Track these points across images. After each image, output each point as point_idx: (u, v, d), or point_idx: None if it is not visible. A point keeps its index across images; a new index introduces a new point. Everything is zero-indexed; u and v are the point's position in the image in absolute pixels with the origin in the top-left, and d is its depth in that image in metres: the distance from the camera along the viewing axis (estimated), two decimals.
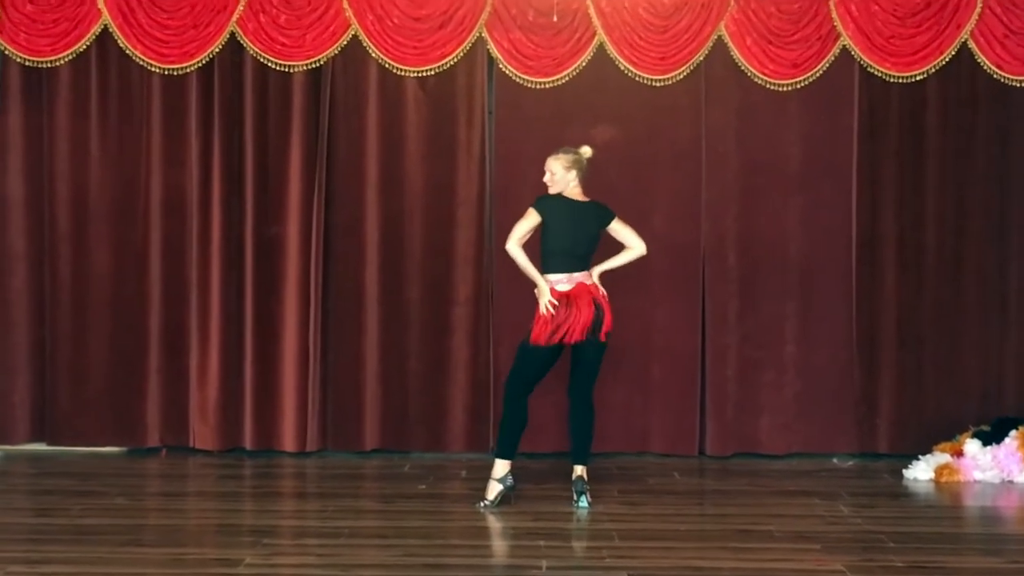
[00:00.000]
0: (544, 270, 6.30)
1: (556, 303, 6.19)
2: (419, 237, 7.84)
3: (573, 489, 6.35)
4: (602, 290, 6.33)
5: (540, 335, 6.21)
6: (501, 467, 6.34)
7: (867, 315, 7.88)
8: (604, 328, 6.25)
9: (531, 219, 6.28)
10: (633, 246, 6.41)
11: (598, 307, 6.23)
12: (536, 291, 6.30)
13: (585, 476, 6.36)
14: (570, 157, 6.35)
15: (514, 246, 6.24)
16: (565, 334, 6.18)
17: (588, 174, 6.40)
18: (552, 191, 6.37)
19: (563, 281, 6.26)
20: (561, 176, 6.33)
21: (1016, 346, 7.93)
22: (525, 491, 6.62)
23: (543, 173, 6.40)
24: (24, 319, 7.87)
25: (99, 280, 7.84)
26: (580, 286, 6.27)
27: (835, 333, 7.88)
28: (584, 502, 6.30)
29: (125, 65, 7.77)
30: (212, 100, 7.79)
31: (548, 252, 6.31)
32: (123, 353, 7.85)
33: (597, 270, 6.38)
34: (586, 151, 6.41)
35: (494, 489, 6.32)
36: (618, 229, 6.41)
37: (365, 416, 7.86)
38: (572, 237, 6.28)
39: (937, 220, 7.89)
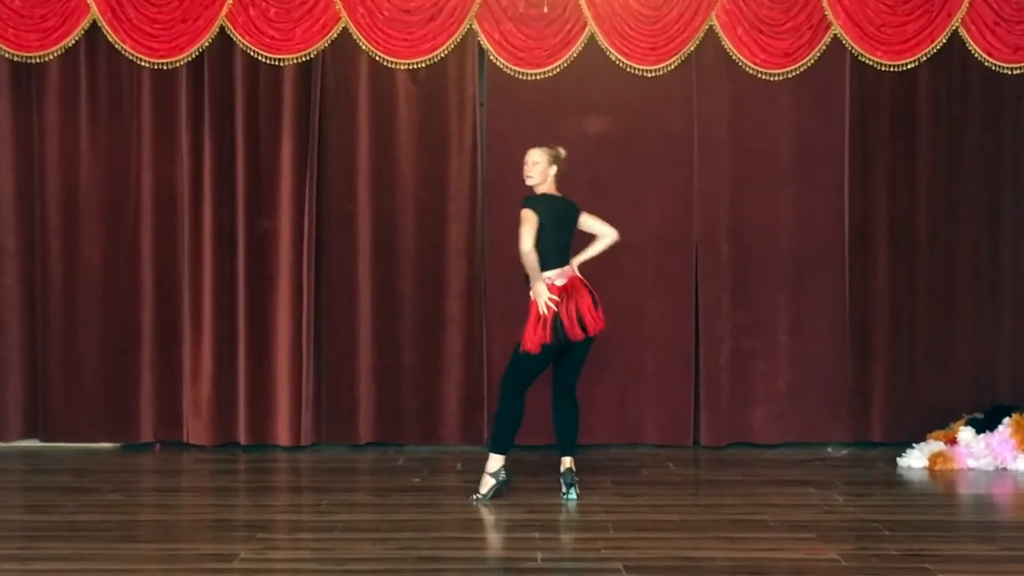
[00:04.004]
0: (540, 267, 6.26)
1: (557, 299, 6.17)
2: (411, 230, 7.83)
3: (562, 481, 6.37)
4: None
5: (532, 343, 6.15)
6: (495, 461, 6.35)
7: (860, 304, 7.88)
8: (598, 325, 6.24)
9: (534, 221, 6.18)
10: (605, 234, 6.42)
11: (592, 291, 6.26)
12: (533, 293, 6.21)
13: (573, 468, 6.39)
14: (552, 152, 6.35)
15: (533, 251, 6.15)
16: (566, 333, 6.13)
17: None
18: (532, 182, 6.34)
19: (559, 276, 6.25)
20: (543, 168, 6.31)
21: (1009, 333, 7.95)
22: (519, 483, 6.62)
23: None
24: (16, 316, 7.84)
25: (91, 275, 7.82)
26: (572, 278, 6.28)
27: (828, 322, 7.89)
28: (573, 494, 6.32)
29: (114, 60, 7.74)
30: (202, 94, 7.77)
31: (542, 250, 6.21)
32: (116, 349, 7.84)
33: (576, 261, 6.37)
34: (563, 152, 6.39)
35: (487, 483, 6.33)
36: (588, 221, 6.42)
37: (359, 409, 7.85)
38: (560, 233, 6.28)
39: (929, 208, 7.90)
